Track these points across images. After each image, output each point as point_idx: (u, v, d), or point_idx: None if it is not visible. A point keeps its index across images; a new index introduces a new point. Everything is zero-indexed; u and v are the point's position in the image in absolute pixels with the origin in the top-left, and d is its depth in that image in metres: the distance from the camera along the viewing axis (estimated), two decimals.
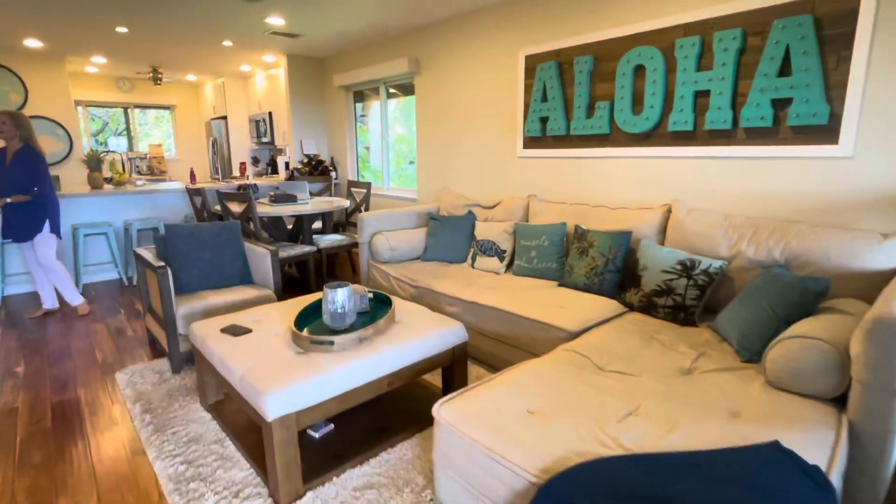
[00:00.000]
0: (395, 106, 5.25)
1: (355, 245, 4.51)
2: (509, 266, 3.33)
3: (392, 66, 4.67)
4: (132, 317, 3.76)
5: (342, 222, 5.55)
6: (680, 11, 2.71)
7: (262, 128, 6.70)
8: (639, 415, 1.52)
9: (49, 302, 3.84)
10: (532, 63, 3.51)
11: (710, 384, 1.71)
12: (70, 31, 4.55)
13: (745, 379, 1.74)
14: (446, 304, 2.90)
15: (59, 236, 3.64)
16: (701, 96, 2.68)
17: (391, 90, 5.18)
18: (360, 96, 5.70)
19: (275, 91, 6.37)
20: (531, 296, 2.66)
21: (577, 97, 3.23)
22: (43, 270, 3.71)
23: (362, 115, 5.83)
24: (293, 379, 1.68)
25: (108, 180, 4.93)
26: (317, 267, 4.50)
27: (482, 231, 3.43)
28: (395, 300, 2.46)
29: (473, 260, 3.40)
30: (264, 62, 6.13)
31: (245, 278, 3.19)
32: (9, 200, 3.33)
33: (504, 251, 3.27)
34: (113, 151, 7.62)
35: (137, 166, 7.64)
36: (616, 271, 2.66)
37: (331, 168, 5.91)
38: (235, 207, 3.99)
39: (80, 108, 7.39)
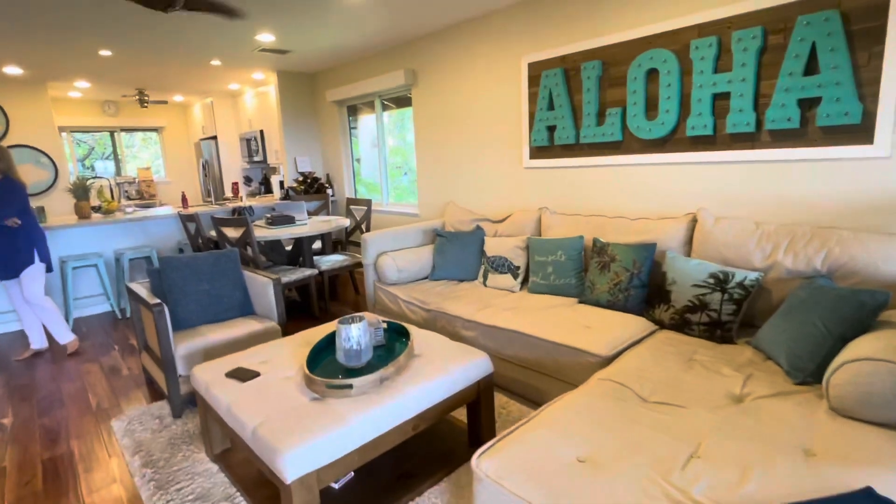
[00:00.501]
0: (388, 118, 5.11)
1: (358, 265, 4.35)
2: (524, 283, 3.18)
3: (387, 79, 4.54)
4: (127, 353, 3.56)
5: (341, 241, 5.39)
6: (694, 11, 2.60)
7: (253, 146, 6.54)
8: (702, 457, 1.36)
9: (37, 342, 3.63)
10: (536, 71, 3.39)
11: (769, 414, 1.56)
12: (50, 56, 4.38)
13: (805, 406, 1.60)
14: (462, 329, 2.74)
15: (49, 268, 3.45)
16: (720, 99, 2.56)
17: (385, 102, 5.05)
18: (353, 110, 5.56)
19: (266, 108, 6.22)
20: (552, 316, 2.51)
21: (586, 104, 3.11)
22: (30, 307, 3.50)
23: (353, 128, 5.68)
24: (311, 433, 1.51)
25: (97, 209, 4.74)
26: (318, 289, 4.33)
27: (492, 247, 3.29)
28: (411, 329, 2.29)
29: (485, 278, 3.24)
30: (254, 80, 5.98)
31: (246, 309, 3.01)
32: None
33: (517, 267, 3.12)
34: (100, 177, 7.43)
35: (126, 191, 7.43)
36: (641, 286, 2.51)
37: (327, 185, 5.75)
38: (232, 233, 3.81)
39: (64, 135, 7.19)
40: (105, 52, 4.29)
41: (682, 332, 2.27)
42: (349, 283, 5.17)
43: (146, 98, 6.20)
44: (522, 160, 3.62)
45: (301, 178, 5.57)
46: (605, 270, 2.64)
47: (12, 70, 4.86)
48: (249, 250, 3.77)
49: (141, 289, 2.77)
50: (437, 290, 3.19)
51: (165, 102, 6.47)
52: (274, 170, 6.90)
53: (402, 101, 4.89)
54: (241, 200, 5.64)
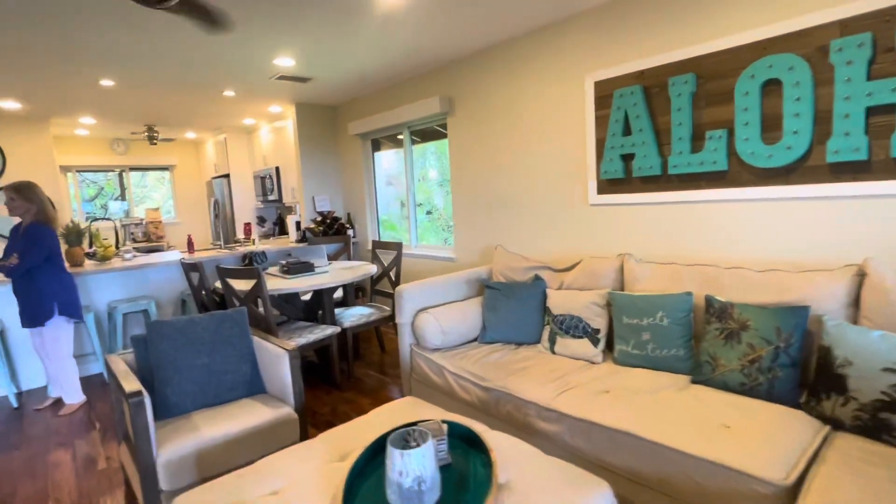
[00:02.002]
0: (410, 154, 4.59)
1: (386, 320, 3.71)
2: (606, 350, 2.51)
3: (420, 108, 4.03)
4: (110, 434, 2.91)
5: (363, 287, 4.77)
6: (834, 4, 2.02)
7: (268, 184, 6.06)
8: None
9: (59, 389, 3.35)
10: (605, 90, 2.83)
11: None
12: (49, 87, 3.96)
13: None
14: (537, 419, 2.06)
15: (76, 318, 3.21)
16: (878, 114, 1.95)
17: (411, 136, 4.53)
18: (377, 145, 5.07)
19: (282, 144, 5.77)
20: (666, 405, 1.83)
21: (676, 126, 2.52)
22: (47, 361, 3.23)
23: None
24: None
25: (91, 255, 4.21)
26: (341, 349, 3.68)
27: (559, 302, 2.64)
28: (485, 436, 1.63)
29: (552, 342, 2.58)
30: (270, 113, 5.55)
31: (255, 386, 2.37)
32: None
33: (597, 331, 2.46)
34: (106, 218, 6.99)
35: (133, 233, 6.97)
36: (791, 365, 1.84)
37: (347, 226, 5.19)
38: (241, 286, 3.22)
39: (70, 174, 6.80)
40: (106, 82, 3.85)
41: (878, 438, 1.57)
42: (373, 338, 4.51)
43: (155, 135, 5.80)
44: (588, 196, 3.01)
45: (320, 219, 5.03)
46: (732, 341, 1.97)
47: (10, 105, 4.46)
48: (261, 307, 3.16)
49: (120, 364, 2.15)
50: (494, 358, 2.53)
51: (173, 140, 6.08)
52: (290, 209, 6.39)
53: (428, 135, 4.37)
54: (254, 243, 5.09)
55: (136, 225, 7.03)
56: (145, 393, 1.83)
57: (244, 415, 2.12)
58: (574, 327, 2.53)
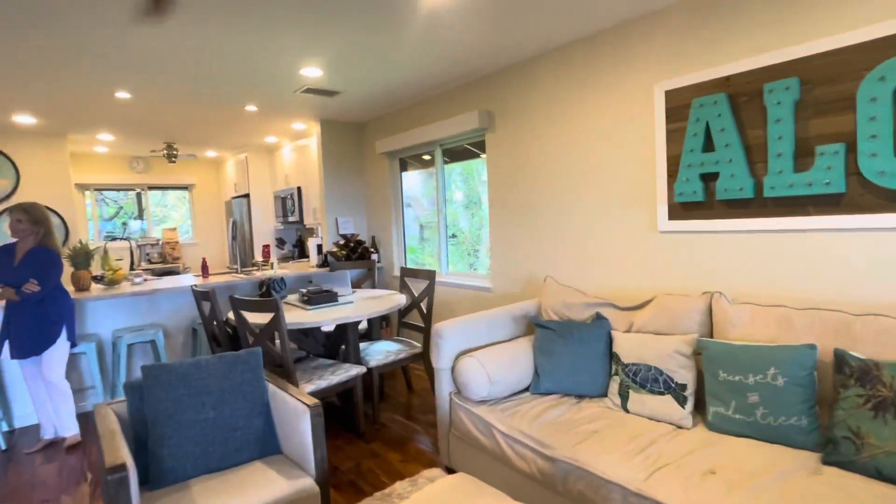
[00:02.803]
0: (429, 176, 4.24)
1: (416, 358, 3.30)
2: (695, 410, 2.06)
3: (455, 124, 3.69)
4: (101, 491, 2.53)
5: (387, 317, 4.38)
6: None
7: (289, 205, 5.77)
8: None
9: (51, 430, 3.09)
10: (679, 100, 2.44)
11: None
12: (64, 100, 3.73)
13: None
14: None
15: (73, 343, 3.05)
16: None
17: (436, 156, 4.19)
18: (405, 165, 4.74)
19: (305, 163, 5.49)
20: (803, 497, 1.38)
21: (774, 141, 2.11)
22: (47, 388, 3.00)
23: None
24: None
25: (99, 279, 3.92)
26: (366, 390, 3.27)
27: (630, 348, 2.21)
28: None
29: (624, 398, 2.14)
30: (293, 131, 5.30)
31: (268, 446, 1.97)
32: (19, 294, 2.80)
33: (683, 386, 2.02)
34: (125, 238, 6.77)
35: (148, 254, 6.73)
36: None
37: (372, 250, 4.84)
38: (256, 318, 2.85)
39: (87, 193, 6.63)
40: (122, 95, 3.61)
41: None
42: (398, 375, 4.09)
43: (175, 153, 5.59)
44: (657, 222, 2.60)
45: (343, 242, 4.69)
46: (886, 414, 1.51)
47: (24, 119, 4.26)
48: (278, 344, 2.79)
49: (108, 419, 1.78)
50: (553, 416, 2.10)
51: (194, 157, 5.87)
52: (311, 231, 6.09)
53: (456, 154, 4.03)
54: (272, 267, 4.76)
55: (153, 245, 6.79)
56: (130, 466, 1.44)
57: (254, 486, 1.71)
58: (652, 380, 2.09)
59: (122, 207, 7.29)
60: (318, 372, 2.83)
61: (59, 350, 2.95)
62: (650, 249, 2.65)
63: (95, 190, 6.72)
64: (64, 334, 2.96)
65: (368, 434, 2.97)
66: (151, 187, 7.12)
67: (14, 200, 4.76)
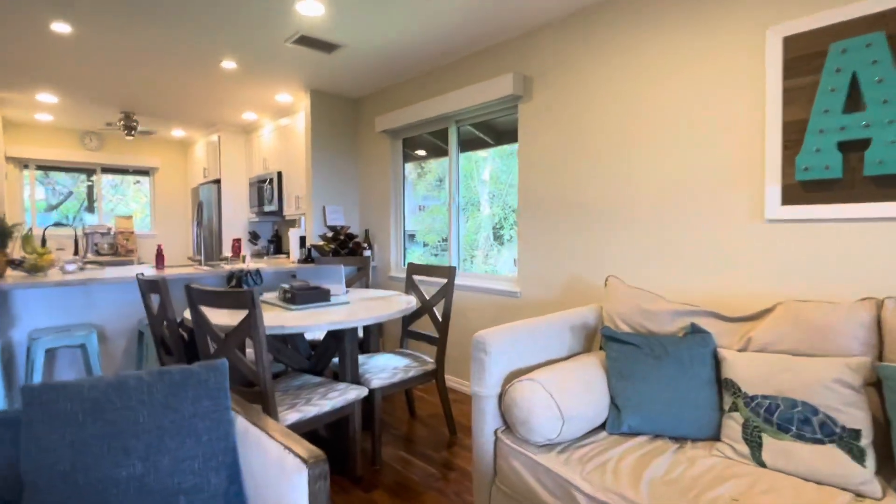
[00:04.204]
0: (436, 165, 3.58)
1: (428, 377, 2.59)
2: (878, 469, 1.42)
3: (481, 91, 3.05)
4: None
5: (380, 326, 3.67)
6: None
7: (266, 192, 5.00)
8: None
9: None
10: (806, 47, 1.86)
11: None
12: None
13: None
14: None
15: None
16: None
17: (440, 145, 3.54)
18: (406, 157, 4.06)
19: (288, 145, 4.75)
20: None
21: None
22: None
23: None
24: None
25: (18, 263, 3.06)
26: (364, 418, 2.52)
27: (753, 374, 1.57)
28: None
29: (754, 445, 1.49)
30: (276, 105, 4.56)
31: None
32: None
33: (855, 433, 1.38)
34: (66, 224, 5.83)
35: (97, 244, 5.80)
36: None
37: (364, 245, 4.12)
38: (221, 318, 2.10)
39: (27, 171, 5.68)
40: (60, 27, 2.82)
41: None
42: (398, 398, 3.35)
43: (134, 124, 4.76)
44: (764, 208, 1.99)
45: (331, 234, 3.95)
46: None
47: None
48: (250, 355, 2.05)
49: None
50: (659, 471, 1.43)
51: (154, 133, 5.06)
52: (291, 223, 5.32)
53: (471, 144, 3.39)
54: (244, 260, 3.98)
55: (103, 235, 5.86)
56: None
57: None
58: (801, 422, 1.45)
59: (71, 192, 6.34)
60: (303, 394, 2.09)
61: None
62: (752, 243, 2.04)
63: (38, 168, 5.77)
64: None
65: (367, 479, 2.23)
66: (106, 169, 6.21)
67: None
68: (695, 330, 1.84)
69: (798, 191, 1.91)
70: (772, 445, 1.47)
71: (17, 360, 2.83)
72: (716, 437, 1.64)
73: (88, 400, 1.15)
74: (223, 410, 1.31)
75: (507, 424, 1.72)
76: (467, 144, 3.54)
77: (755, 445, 1.50)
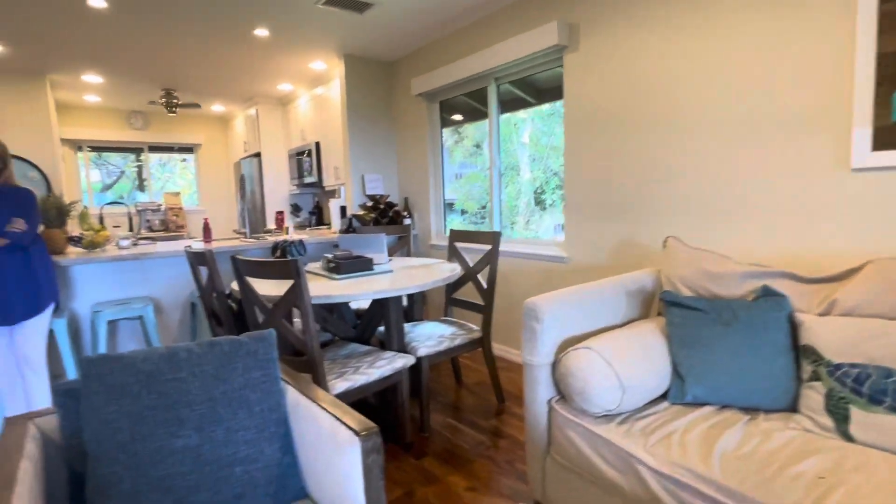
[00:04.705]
0: (472, 129, 3.41)
1: (474, 344, 2.54)
2: None
3: (522, 43, 2.86)
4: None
5: (419, 296, 3.63)
6: None
7: (305, 164, 5.00)
8: None
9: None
10: None
11: None
12: (27, 15, 2.96)
13: None
14: None
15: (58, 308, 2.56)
16: None
17: (474, 106, 3.36)
18: (448, 110, 3.91)
19: (324, 115, 4.70)
20: None
21: None
22: (24, 367, 2.35)
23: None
24: None
25: (76, 240, 3.20)
26: (412, 385, 2.52)
27: (839, 340, 1.42)
28: None
29: (839, 417, 1.36)
30: (311, 74, 4.49)
31: (287, 489, 1.23)
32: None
33: None
34: (121, 202, 6.08)
35: (149, 220, 6.03)
36: None
37: (404, 213, 4.07)
38: (268, 289, 2.10)
39: (81, 153, 5.92)
40: (96, 2, 2.82)
41: None
42: (444, 366, 3.34)
43: (175, 101, 4.82)
44: (851, 155, 1.77)
45: (371, 203, 3.92)
46: None
47: None
48: (298, 324, 2.05)
49: (21, 443, 1.04)
50: (730, 444, 1.33)
51: (198, 106, 5.12)
52: (331, 193, 5.33)
53: (511, 105, 3.19)
54: (287, 232, 4.02)
55: (154, 211, 6.09)
56: None
57: None
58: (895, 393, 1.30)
59: (123, 172, 6.58)
60: (351, 363, 2.08)
61: (47, 321, 2.39)
62: (835, 195, 1.83)
63: (91, 149, 6.00)
64: (53, 299, 2.41)
65: (417, 446, 2.23)
66: (153, 147, 6.39)
67: None
68: (767, 293, 1.68)
69: (893, 134, 1.67)
70: (861, 418, 1.33)
71: (83, 332, 2.98)
72: (792, 409, 1.51)
73: (143, 372, 1.15)
74: (273, 381, 1.29)
75: (562, 394, 1.65)
76: (507, 105, 3.37)
77: (841, 418, 1.37)
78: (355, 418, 1.11)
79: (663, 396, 1.66)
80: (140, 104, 5.61)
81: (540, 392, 1.66)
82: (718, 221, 2.17)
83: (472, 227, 3.90)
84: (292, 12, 3.07)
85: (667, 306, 1.77)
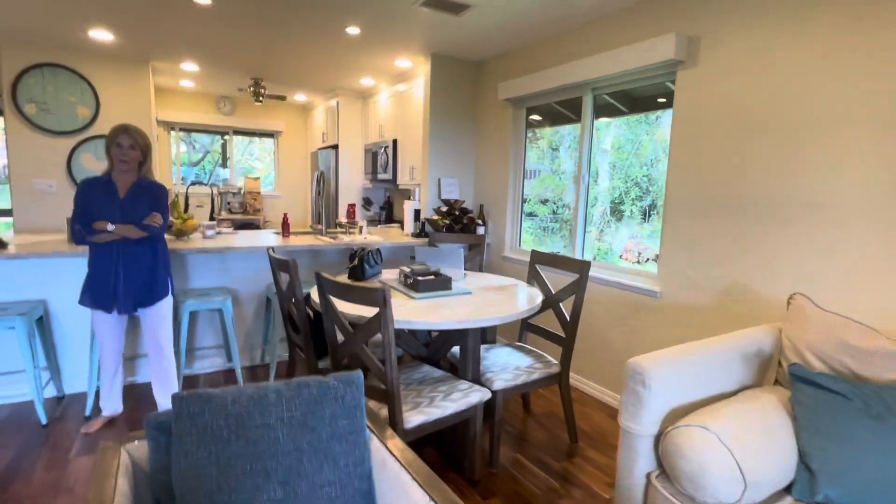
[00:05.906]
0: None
1: (552, 379, 2.38)
2: None
3: (630, 55, 2.61)
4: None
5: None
6: None
7: (381, 160, 4.98)
8: None
9: (111, 407, 2.59)
10: None
11: None
12: (137, 10, 3.08)
13: None
14: None
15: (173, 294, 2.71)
16: None
17: (566, 112, 3.12)
18: (534, 119, 3.71)
19: (404, 113, 4.63)
20: None
21: None
22: (153, 354, 2.53)
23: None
24: None
25: (167, 227, 3.32)
26: (485, 418, 2.41)
27: None
28: None
29: None
30: (395, 71, 4.43)
31: None
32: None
33: None
34: (205, 183, 6.36)
35: (229, 203, 6.29)
36: None
37: (479, 221, 3.93)
38: (348, 306, 2.04)
39: (173, 133, 6.24)
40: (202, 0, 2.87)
41: None
42: (517, 402, 3.19)
43: (262, 90, 4.93)
44: None
45: (445, 209, 3.81)
46: None
47: (101, 35, 3.70)
48: (379, 354, 1.99)
49: (112, 472, 1.02)
50: None
51: (283, 98, 5.22)
52: (404, 191, 5.29)
53: (599, 111, 2.93)
54: (360, 231, 4.01)
55: (234, 194, 6.34)
56: None
57: None
58: None
59: (207, 152, 6.90)
60: (425, 392, 2.00)
61: (171, 303, 2.57)
62: None
63: (181, 130, 6.32)
64: (171, 289, 2.58)
65: (484, 483, 2.12)
66: (237, 131, 6.64)
67: (92, 132, 4.32)
68: None
69: None
70: None
71: None
72: None
73: (232, 416, 1.10)
74: (359, 431, 1.21)
75: (665, 471, 1.46)
76: (595, 112, 3.13)
77: None
78: (448, 500, 1.00)
79: (786, 489, 1.43)
80: (229, 90, 5.81)
81: (639, 464, 1.49)
82: (865, 281, 1.86)
83: (541, 232, 3.71)
84: (389, 13, 2.99)
85: (794, 381, 1.53)
